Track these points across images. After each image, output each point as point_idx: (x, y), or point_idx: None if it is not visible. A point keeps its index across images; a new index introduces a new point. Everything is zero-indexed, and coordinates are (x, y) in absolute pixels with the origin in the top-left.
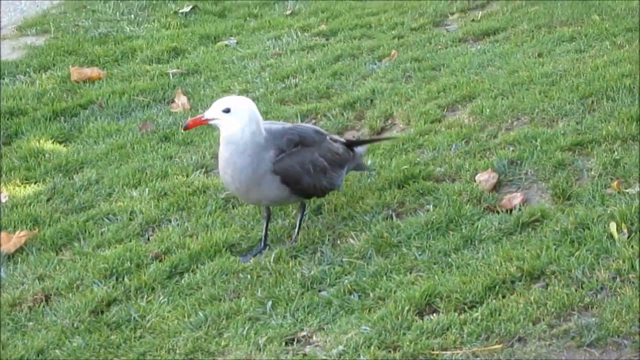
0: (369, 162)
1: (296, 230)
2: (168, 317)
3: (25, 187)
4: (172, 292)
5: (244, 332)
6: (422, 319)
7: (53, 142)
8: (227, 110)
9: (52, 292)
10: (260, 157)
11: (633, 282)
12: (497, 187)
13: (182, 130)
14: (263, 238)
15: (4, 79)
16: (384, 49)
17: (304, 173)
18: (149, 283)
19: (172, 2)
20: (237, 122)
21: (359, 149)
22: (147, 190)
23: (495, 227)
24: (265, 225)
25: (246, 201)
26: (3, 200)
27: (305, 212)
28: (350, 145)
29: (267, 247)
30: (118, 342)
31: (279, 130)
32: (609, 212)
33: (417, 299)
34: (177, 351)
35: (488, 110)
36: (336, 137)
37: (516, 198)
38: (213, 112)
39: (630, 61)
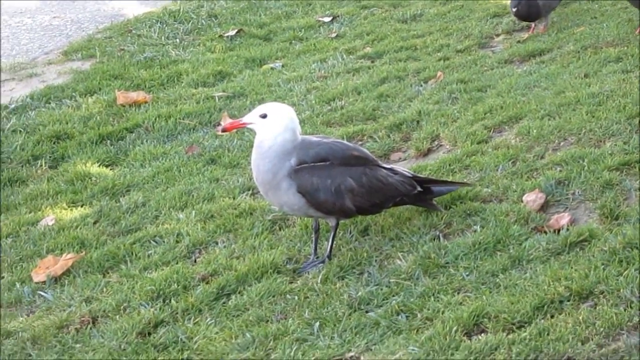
0: None
1: (328, 248)
2: (215, 338)
3: (72, 210)
4: (219, 313)
5: (292, 354)
6: (471, 340)
7: (99, 166)
8: (264, 116)
9: (99, 314)
10: (282, 164)
11: None
12: (544, 207)
13: (221, 133)
14: (313, 251)
15: (50, 103)
16: (430, 71)
17: (321, 188)
18: (196, 305)
19: (217, 26)
20: (271, 128)
21: (439, 189)
22: (193, 212)
23: (543, 248)
24: (314, 238)
25: (276, 207)
26: (50, 224)
27: (335, 231)
28: (420, 182)
29: (323, 262)
30: None
31: (313, 143)
32: None
33: (465, 319)
34: None
35: (535, 131)
36: (400, 168)
37: (564, 218)
38: (251, 117)
39: None
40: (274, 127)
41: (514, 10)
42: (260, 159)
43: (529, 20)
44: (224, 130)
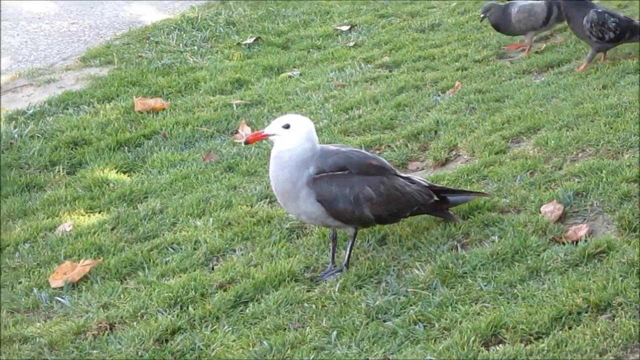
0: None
1: (346, 257)
2: (233, 346)
3: (89, 216)
4: (237, 321)
5: None
6: (488, 350)
7: (117, 172)
8: (287, 127)
9: (116, 321)
10: (300, 173)
11: None
12: (562, 218)
13: (243, 145)
14: (331, 259)
15: (67, 109)
16: (448, 81)
17: (340, 197)
18: (213, 312)
19: (235, 33)
20: (293, 138)
21: (455, 198)
22: (211, 220)
23: (561, 259)
24: (332, 247)
25: (294, 217)
26: (68, 229)
27: (354, 240)
28: (436, 191)
29: (341, 270)
30: None
31: (331, 152)
32: None
33: (483, 329)
34: None
35: (553, 141)
36: (416, 178)
37: (582, 229)
38: (273, 128)
39: None
40: (296, 137)
41: (481, 15)
42: (279, 169)
43: (501, 31)
44: (246, 143)
